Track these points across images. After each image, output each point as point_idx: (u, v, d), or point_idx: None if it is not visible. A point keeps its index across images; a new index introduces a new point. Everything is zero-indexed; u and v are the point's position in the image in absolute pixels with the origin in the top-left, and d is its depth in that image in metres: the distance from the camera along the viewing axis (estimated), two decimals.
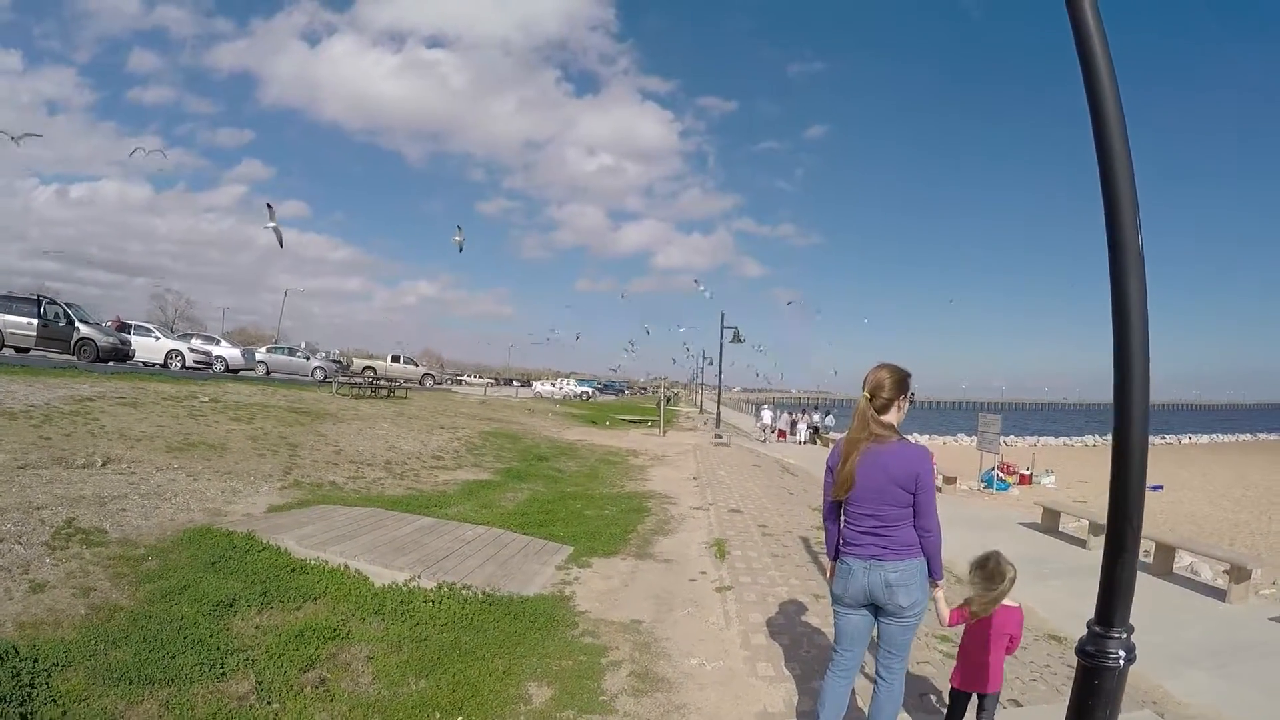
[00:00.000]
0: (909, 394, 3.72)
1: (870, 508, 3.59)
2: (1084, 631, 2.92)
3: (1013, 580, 3.89)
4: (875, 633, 3.81)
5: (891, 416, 3.68)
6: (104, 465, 8.84)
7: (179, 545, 6.80)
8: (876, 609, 3.68)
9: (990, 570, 3.90)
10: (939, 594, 3.75)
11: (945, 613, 3.86)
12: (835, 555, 3.83)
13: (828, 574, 3.95)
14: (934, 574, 3.64)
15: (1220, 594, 9.12)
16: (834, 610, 3.84)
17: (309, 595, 6.06)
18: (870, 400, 3.66)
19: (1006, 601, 3.92)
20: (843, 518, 3.75)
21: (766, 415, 39.71)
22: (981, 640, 3.94)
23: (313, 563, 6.68)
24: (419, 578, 6.52)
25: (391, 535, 7.77)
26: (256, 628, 5.47)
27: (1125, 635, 2.83)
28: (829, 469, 3.79)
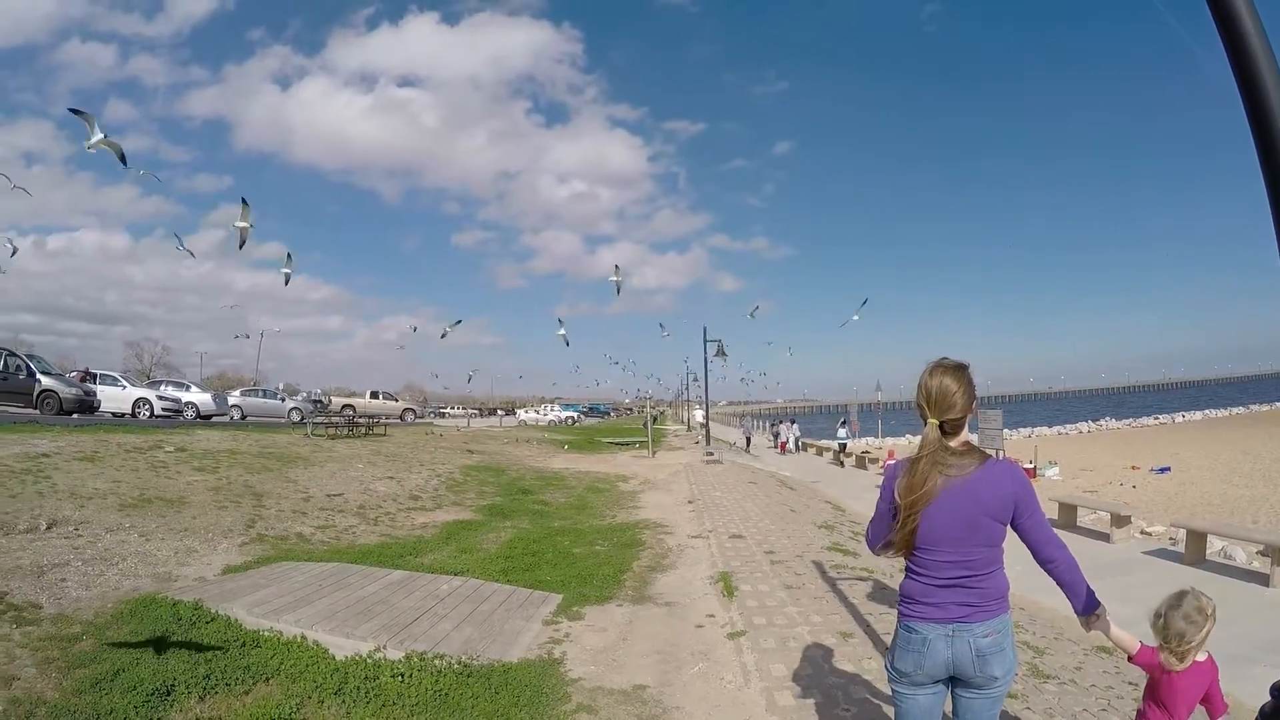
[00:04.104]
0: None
1: (953, 552, 2.73)
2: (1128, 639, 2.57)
3: (1213, 618, 3.01)
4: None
5: (965, 434, 2.83)
6: (49, 529, 8.08)
7: (119, 620, 6.06)
8: (952, 679, 2.85)
9: (1189, 610, 2.98)
10: (1106, 622, 2.87)
11: (1130, 641, 3.03)
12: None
13: None
14: (1090, 605, 2.82)
15: (1263, 578, 8.89)
16: (894, 690, 2.94)
17: (260, 675, 5.27)
18: (940, 427, 2.79)
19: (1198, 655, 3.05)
20: (907, 568, 2.89)
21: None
22: (1172, 705, 3.06)
23: (266, 634, 5.87)
24: (385, 647, 5.69)
25: (357, 595, 6.93)
26: None
27: None
28: (888, 498, 2.88)
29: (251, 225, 16.14)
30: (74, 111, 13.59)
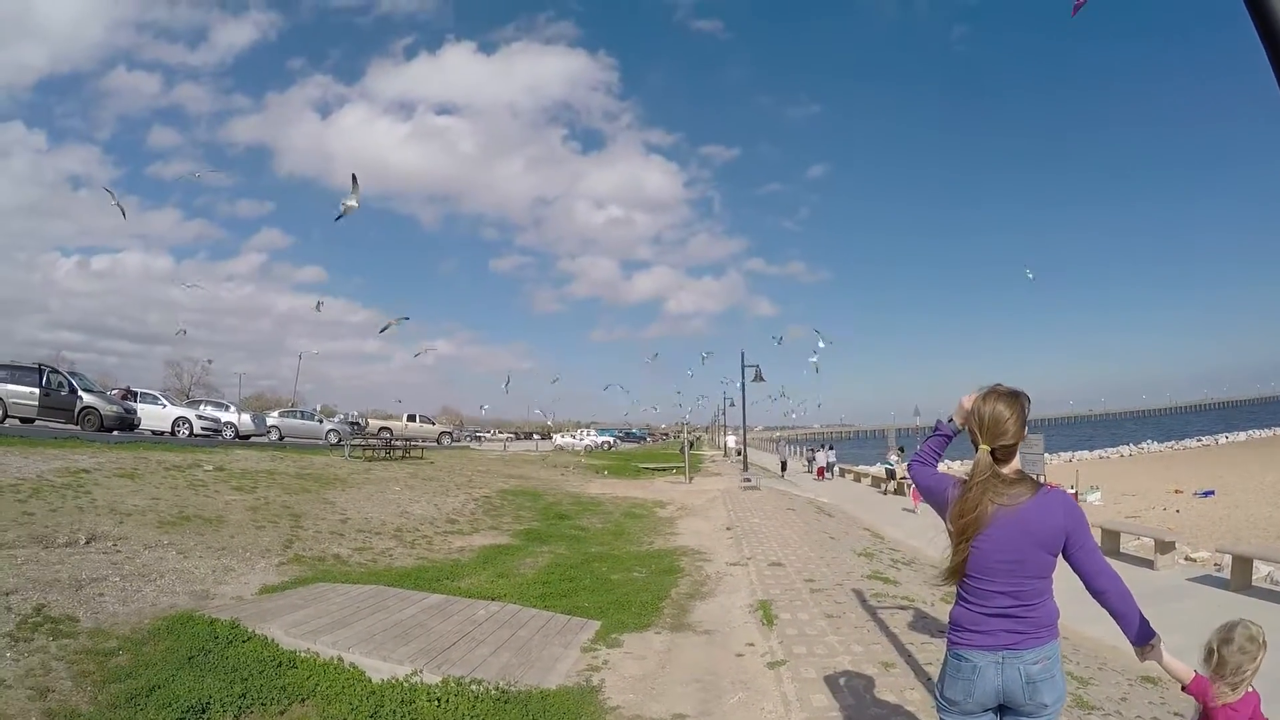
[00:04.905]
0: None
1: (1004, 583, 2.69)
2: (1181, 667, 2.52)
3: (1265, 645, 2.92)
4: None
5: (1017, 462, 2.78)
6: (88, 543, 8.11)
7: (155, 636, 6.04)
8: (1002, 709, 2.78)
9: (1242, 642, 2.88)
10: (1160, 651, 2.80)
11: (1184, 671, 2.93)
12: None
13: None
14: (1144, 635, 2.74)
15: None
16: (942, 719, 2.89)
17: (295, 695, 5.22)
18: (991, 453, 2.74)
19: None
20: (957, 595, 2.85)
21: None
22: None
23: (303, 655, 5.82)
24: (422, 671, 5.62)
25: (394, 618, 6.88)
26: None
27: None
28: (939, 501, 2.88)
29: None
30: (353, 177, 16.99)
